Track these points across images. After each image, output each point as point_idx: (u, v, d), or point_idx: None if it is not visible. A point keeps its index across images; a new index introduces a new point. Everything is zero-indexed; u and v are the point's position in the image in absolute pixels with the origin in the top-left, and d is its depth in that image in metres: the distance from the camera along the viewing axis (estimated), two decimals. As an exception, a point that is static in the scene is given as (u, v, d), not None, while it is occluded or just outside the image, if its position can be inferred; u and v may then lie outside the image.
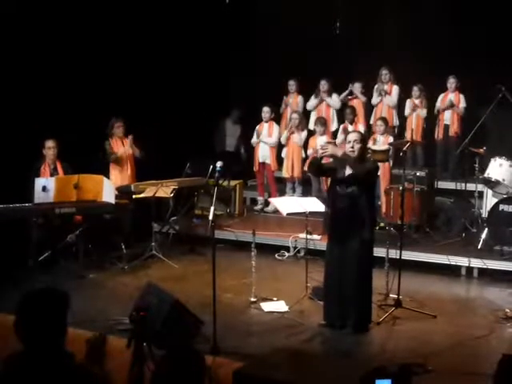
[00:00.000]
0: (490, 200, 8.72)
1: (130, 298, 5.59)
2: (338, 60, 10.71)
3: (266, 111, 10.33)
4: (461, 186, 9.42)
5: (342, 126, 10.15)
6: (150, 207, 8.42)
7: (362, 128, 9.79)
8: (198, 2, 10.59)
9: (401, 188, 7.36)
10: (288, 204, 7.29)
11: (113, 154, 8.78)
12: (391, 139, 9.32)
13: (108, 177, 8.55)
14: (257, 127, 10.42)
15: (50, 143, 8.07)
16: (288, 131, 10.21)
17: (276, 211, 9.06)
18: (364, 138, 6.16)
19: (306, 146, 10.18)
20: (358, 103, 10.59)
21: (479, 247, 8.22)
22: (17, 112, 8.05)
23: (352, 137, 6.07)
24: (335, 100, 10.65)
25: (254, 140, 10.45)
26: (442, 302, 6.93)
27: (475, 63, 9.79)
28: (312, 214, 7.17)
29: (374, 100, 10.61)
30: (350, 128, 9.59)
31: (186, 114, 10.16)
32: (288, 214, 7.28)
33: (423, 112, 10.27)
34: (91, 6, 8.87)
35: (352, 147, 5.97)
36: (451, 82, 10.17)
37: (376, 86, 10.58)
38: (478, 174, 8.56)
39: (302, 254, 8.48)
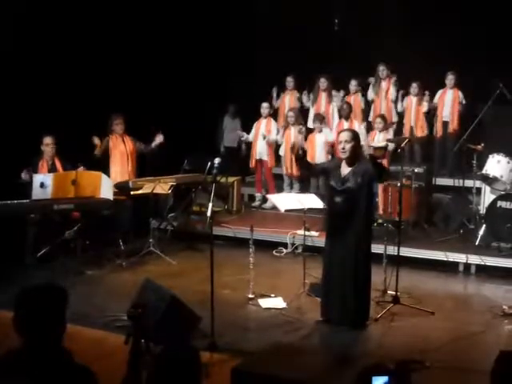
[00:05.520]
0: (487, 196, 8.73)
1: (127, 295, 5.58)
2: (337, 57, 10.72)
3: (265, 107, 10.35)
4: (459, 182, 9.44)
5: (336, 124, 10.16)
6: (148, 204, 8.42)
7: (357, 124, 9.79)
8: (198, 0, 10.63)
9: (399, 184, 7.35)
10: (286, 200, 7.28)
11: (98, 149, 8.73)
12: (390, 135, 9.32)
13: (108, 173, 8.54)
14: (255, 123, 10.42)
15: (48, 140, 8.05)
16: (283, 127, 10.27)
17: (274, 208, 9.07)
18: (356, 136, 6.03)
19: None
20: (355, 99, 10.58)
21: (477, 244, 8.24)
22: (15, 108, 8.04)
23: (342, 137, 5.95)
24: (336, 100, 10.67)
25: (249, 136, 10.46)
26: (440, 299, 6.94)
27: (474, 60, 9.79)
28: (310, 210, 7.17)
29: (370, 96, 10.63)
30: (346, 125, 9.59)
31: (184, 111, 10.16)
32: (286, 211, 7.28)
33: (424, 105, 10.24)
34: (91, 4, 8.86)
35: (343, 148, 5.91)
36: (450, 79, 10.16)
37: (372, 82, 10.60)
38: (475, 171, 8.56)
39: (299, 250, 8.49)
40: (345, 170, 5.96)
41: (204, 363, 3.15)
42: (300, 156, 6.32)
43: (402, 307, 6.44)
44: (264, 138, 10.16)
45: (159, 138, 8.98)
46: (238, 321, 6.29)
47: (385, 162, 9.07)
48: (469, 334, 5.95)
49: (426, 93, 10.12)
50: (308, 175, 6.69)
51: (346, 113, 9.95)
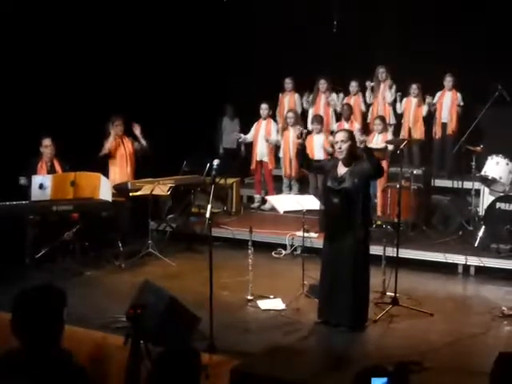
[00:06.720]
0: (486, 198, 8.73)
1: (126, 296, 5.58)
2: (337, 58, 10.72)
3: (264, 108, 10.34)
4: (458, 184, 9.45)
5: (337, 125, 10.17)
6: (147, 205, 8.41)
7: (357, 126, 9.79)
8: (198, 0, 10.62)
9: (398, 186, 7.36)
10: (285, 202, 7.29)
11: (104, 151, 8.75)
12: (389, 137, 9.32)
13: (107, 174, 8.54)
14: (255, 124, 10.42)
15: (47, 141, 8.03)
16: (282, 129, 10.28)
17: (273, 209, 9.06)
18: (352, 136, 6.03)
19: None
20: (354, 101, 10.59)
21: (476, 245, 8.24)
22: (14, 109, 8.04)
23: (339, 137, 5.98)
24: (336, 102, 10.68)
25: (247, 136, 10.45)
26: (439, 300, 6.93)
27: (474, 61, 9.79)
28: (309, 211, 7.17)
29: (368, 98, 10.64)
30: (346, 126, 9.59)
31: (183, 112, 10.16)
32: (285, 212, 7.28)
33: (425, 108, 10.26)
34: (91, 5, 8.86)
35: (340, 148, 5.91)
36: (448, 81, 10.18)
37: (372, 85, 10.60)
38: (474, 172, 8.57)
39: (298, 251, 8.49)
40: (341, 169, 5.96)
41: (203, 364, 3.15)
42: (302, 146, 6.31)
43: (401, 309, 6.44)
44: (267, 140, 10.17)
45: (137, 130, 8.91)
46: (237, 322, 6.27)
47: (385, 163, 9.09)
48: (468, 336, 5.94)
49: (427, 97, 10.15)
50: (306, 168, 6.70)
51: (346, 114, 9.96)
